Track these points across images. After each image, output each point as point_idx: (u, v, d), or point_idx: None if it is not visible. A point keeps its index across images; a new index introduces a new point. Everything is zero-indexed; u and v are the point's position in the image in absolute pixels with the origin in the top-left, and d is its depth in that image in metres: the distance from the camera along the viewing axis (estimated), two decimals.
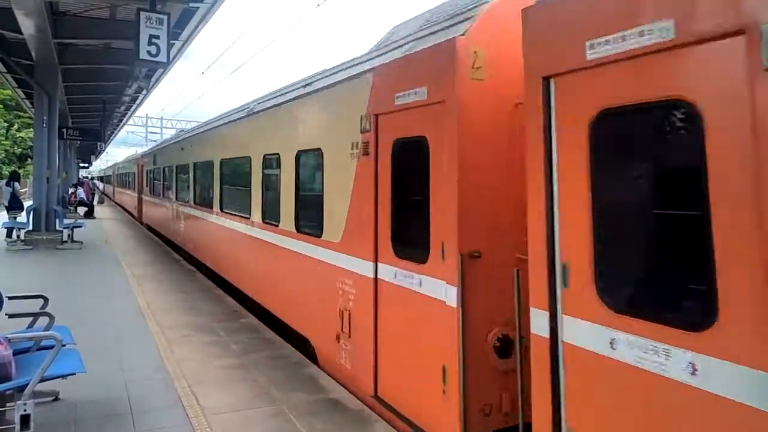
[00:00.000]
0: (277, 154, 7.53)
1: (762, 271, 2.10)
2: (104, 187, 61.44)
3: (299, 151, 6.92)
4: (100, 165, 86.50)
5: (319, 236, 6.19)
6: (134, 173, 27.84)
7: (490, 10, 4.13)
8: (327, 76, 6.67)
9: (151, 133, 60.96)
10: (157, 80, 20.58)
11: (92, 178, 53.77)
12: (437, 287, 4.13)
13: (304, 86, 7.21)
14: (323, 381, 5.79)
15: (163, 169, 17.90)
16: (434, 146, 4.21)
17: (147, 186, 22.60)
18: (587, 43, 2.82)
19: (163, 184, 17.82)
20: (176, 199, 15.23)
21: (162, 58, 8.59)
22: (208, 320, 8.15)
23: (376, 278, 5.01)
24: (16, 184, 17.74)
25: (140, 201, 24.91)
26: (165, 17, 8.63)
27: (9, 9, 11.04)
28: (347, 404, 5.21)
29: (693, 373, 2.34)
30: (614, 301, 2.73)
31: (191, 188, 13.30)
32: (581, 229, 2.88)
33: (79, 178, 41.15)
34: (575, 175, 2.92)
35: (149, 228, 21.59)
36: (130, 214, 29.67)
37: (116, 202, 43.01)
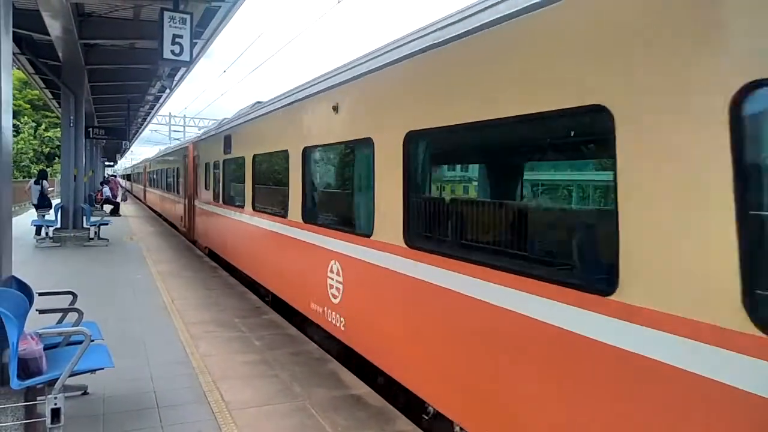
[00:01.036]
0: None
1: None
2: (132, 186, 55.24)
3: None
4: (124, 163, 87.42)
5: None
6: (178, 168, 19.83)
7: None
8: None
9: (175, 131, 61.81)
10: (180, 79, 20.84)
11: (113, 176, 46.70)
12: None
13: None
14: (345, 377, 5.82)
15: (256, 160, 9.58)
16: None
17: (209, 188, 13.70)
18: None
19: (254, 190, 9.71)
20: (311, 220, 7.01)
21: (185, 57, 8.68)
22: (231, 316, 8.25)
23: None
24: (45, 182, 18.15)
25: (191, 211, 16.70)
26: (188, 17, 8.72)
27: (36, 11, 11.29)
28: (369, 400, 5.23)
29: None
30: None
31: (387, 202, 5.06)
32: None
33: (104, 176, 41.89)
34: None
35: (211, 255, 14.22)
36: (170, 224, 23.04)
37: (148, 206, 35.18)
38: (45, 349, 4.40)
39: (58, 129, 36.01)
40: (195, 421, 4.71)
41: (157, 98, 26.96)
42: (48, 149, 50.37)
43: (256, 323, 7.90)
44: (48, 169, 31.61)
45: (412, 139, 4.66)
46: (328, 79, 6.53)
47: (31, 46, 15.06)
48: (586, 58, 3.01)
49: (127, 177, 67.98)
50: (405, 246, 4.70)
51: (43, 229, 16.44)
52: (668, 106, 2.57)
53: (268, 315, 8.41)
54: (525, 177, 4.92)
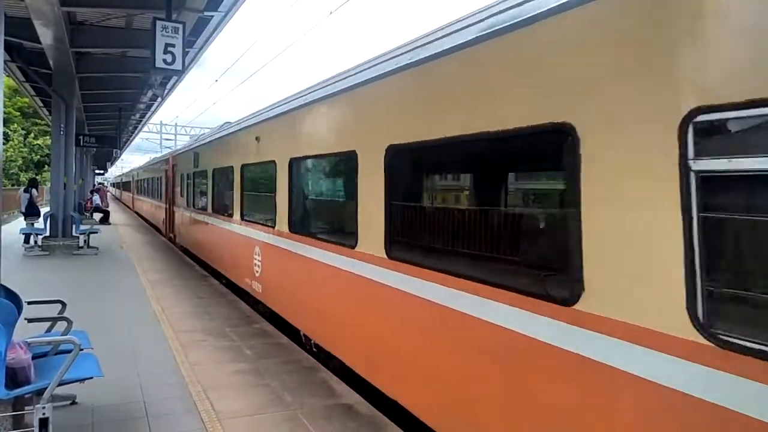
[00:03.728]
0: None
1: None
2: (133, 200, 40.18)
3: None
4: (114, 171, 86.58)
5: None
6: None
7: None
8: None
9: (166, 140, 61.60)
10: (172, 88, 20.85)
11: (101, 184, 43.39)
12: None
13: None
14: (336, 386, 5.81)
15: None
16: None
17: None
18: None
19: None
20: None
21: (177, 66, 8.71)
22: (222, 325, 8.21)
23: None
24: (34, 190, 18.03)
25: None
26: (180, 26, 8.76)
27: (28, 19, 11.28)
28: (360, 410, 5.22)
29: None
30: None
31: None
32: None
33: (94, 184, 41.60)
34: None
35: None
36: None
37: (186, 248, 16.35)
38: (33, 358, 4.37)
39: (48, 137, 35.61)
40: (185, 431, 4.67)
41: (149, 106, 26.94)
42: (38, 157, 50.01)
43: (246, 332, 7.87)
44: (37, 177, 31.38)
45: None
46: None
47: (22, 54, 15.02)
48: None
49: (123, 186, 55.07)
50: None
51: (31, 237, 16.30)
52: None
53: (259, 324, 8.38)
54: None
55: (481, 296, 3.66)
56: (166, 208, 20.72)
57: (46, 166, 44.60)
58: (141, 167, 38.00)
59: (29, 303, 5.11)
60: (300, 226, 7.24)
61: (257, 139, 8.76)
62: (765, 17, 2.17)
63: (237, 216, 10.05)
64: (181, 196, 17.03)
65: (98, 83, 19.33)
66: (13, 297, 4.82)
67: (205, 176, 13.19)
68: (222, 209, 11.51)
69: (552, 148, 3.33)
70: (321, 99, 6.48)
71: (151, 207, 27.18)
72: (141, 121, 34.09)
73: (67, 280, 11.75)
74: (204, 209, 13.30)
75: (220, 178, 11.93)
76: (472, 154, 4.33)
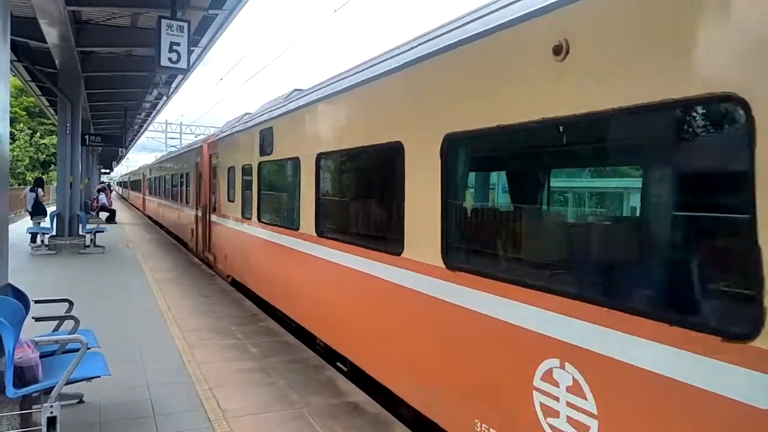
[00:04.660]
0: None
1: None
2: (143, 200, 35.02)
3: None
4: (120, 170, 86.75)
5: None
6: None
7: None
8: None
9: (171, 138, 61.80)
10: (177, 86, 20.87)
11: (103, 183, 40.79)
12: None
13: None
14: (342, 384, 5.81)
15: None
16: None
17: None
18: None
19: None
20: None
21: (182, 64, 8.70)
22: (228, 324, 8.23)
23: None
24: (40, 190, 18.11)
25: None
26: (185, 24, 8.76)
27: (33, 19, 11.31)
28: (366, 408, 5.22)
29: None
30: None
31: None
32: None
33: (100, 183, 41.74)
34: None
35: None
36: None
37: (242, 283, 10.65)
38: (41, 357, 4.39)
39: (54, 136, 35.68)
40: (192, 429, 4.68)
41: (154, 105, 26.98)
42: (44, 156, 50.22)
43: (252, 330, 7.88)
44: (44, 177, 31.45)
45: None
46: None
47: (27, 53, 15.07)
48: None
49: (132, 185, 50.85)
50: None
51: (38, 236, 16.38)
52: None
53: (265, 322, 8.39)
54: None
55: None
56: (196, 216, 15.31)
57: (53, 166, 44.76)
58: (157, 161, 30.77)
59: (36, 302, 5.13)
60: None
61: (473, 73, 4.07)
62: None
63: (432, 256, 4.34)
64: (230, 200, 11.34)
65: (104, 82, 19.38)
66: (20, 296, 4.85)
67: (290, 170, 7.99)
68: (360, 236, 5.97)
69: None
70: None
71: (172, 213, 20.80)
72: (146, 120, 34.13)
73: (74, 278, 11.80)
74: (291, 227, 7.70)
75: (347, 173, 6.97)
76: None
